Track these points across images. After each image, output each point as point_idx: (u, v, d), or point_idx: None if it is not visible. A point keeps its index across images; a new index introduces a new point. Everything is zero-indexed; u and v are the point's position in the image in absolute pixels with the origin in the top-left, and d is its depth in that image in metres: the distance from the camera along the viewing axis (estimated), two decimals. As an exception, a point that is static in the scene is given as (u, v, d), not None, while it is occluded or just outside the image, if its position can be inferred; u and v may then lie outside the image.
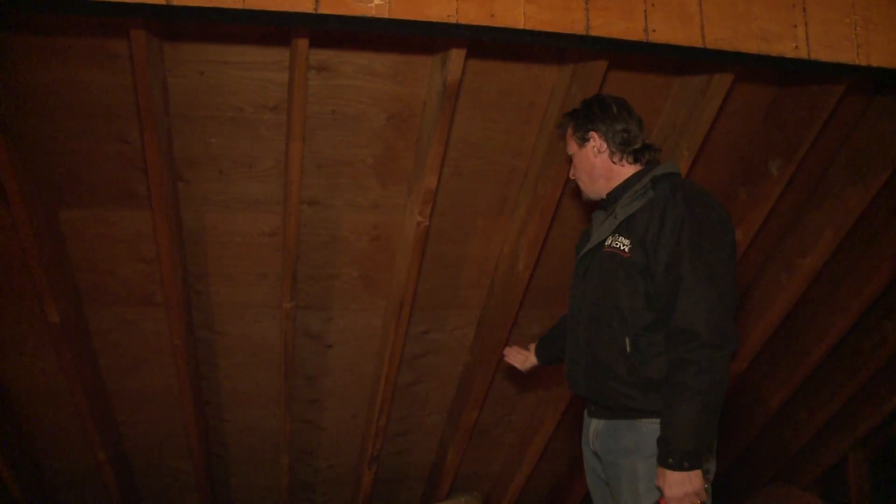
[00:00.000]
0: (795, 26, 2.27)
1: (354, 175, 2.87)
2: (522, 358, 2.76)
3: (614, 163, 2.22)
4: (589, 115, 2.24)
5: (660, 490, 1.96)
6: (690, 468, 1.90)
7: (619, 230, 2.12)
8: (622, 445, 2.10)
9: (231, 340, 3.33)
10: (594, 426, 2.22)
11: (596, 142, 2.23)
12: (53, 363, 3.18)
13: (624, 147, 2.22)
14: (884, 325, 3.95)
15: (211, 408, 3.57)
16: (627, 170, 2.22)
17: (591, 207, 2.50)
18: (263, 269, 3.11)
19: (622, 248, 2.09)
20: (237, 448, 3.81)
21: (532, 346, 2.75)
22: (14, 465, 3.42)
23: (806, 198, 3.36)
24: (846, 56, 2.30)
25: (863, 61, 2.31)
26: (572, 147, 2.29)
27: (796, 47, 2.27)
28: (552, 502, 4.47)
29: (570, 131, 2.29)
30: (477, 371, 3.47)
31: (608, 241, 2.15)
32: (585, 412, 2.32)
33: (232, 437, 3.74)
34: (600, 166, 2.24)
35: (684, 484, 1.90)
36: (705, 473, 1.98)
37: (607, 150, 2.22)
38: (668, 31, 2.17)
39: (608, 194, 2.26)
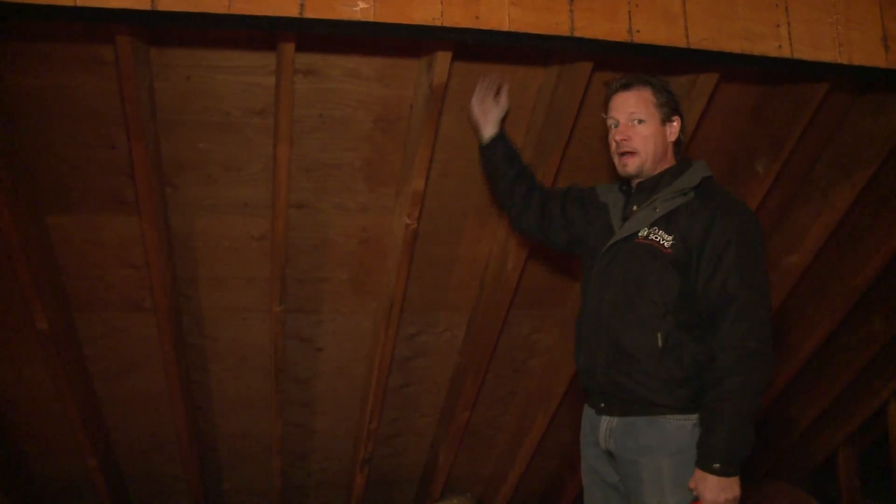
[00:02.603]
0: (778, 26, 2.29)
1: (342, 178, 2.88)
2: (488, 106, 2.60)
3: (674, 153, 2.24)
4: (676, 100, 2.24)
5: (692, 492, 1.98)
6: (734, 474, 1.94)
7: (658, 224, 2.10)
8: (643, 443, 2.07)
9: (221, 345, 3.33)
10: (606, 425, 2.18)
11: (676, 126, 2.22)
12: (42, 370, 3.18)
13: (680, 144, 2.26)
14: (871, 321, 3.99)
15: (202, 412, 3.56)
16: (671, 162, 2.23)
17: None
18: (253, 273, 3.11)
19: (663, 242, 2.08)
20: (229, 452, 3.81)
21: (500, 114, 2.61)
22: (4, 473, 3.41)
23: (792, 195, 3.38)
24: (828, 55, 2.32)
25: (845, 60, 2.33)
26: (651, 116, 2.19)
27: (780, 46, 2.29)
28: (545, 503, 4.48)
29: (649, 98, 2.19)
30: (468, 372, 3.48)
31: (644, 233, 2.12)
32: (590, 411, 2.27)
33: (224, 441, 3.74)
34: (667, 151, 2.22)
35: (726, 489, 1.93)
36: None
37: (677, 139, 2.23)
38: (651, 32, 2.18)
39: (640, 183, 2.23)
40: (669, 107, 2.21)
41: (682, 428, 2.03)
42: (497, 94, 2.61)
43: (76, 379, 3.15)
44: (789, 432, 4.56)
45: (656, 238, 2.09)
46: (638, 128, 2.19)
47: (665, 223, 2.10)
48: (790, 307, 3.84)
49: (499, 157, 2.56)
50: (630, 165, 2.20)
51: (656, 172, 2.21)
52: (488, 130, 2.59)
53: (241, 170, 2.80)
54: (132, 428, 3.56)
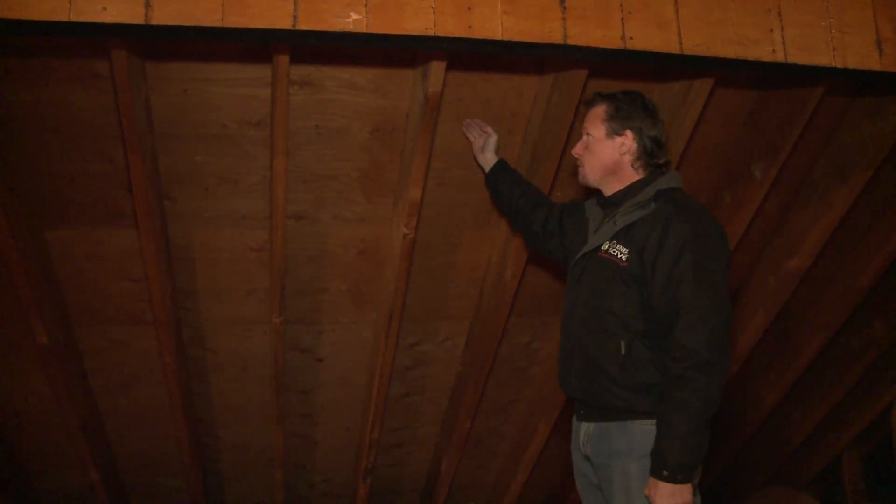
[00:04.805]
0: (772, 30, 2.29)
1: (340, 189, 2.88)
2: (480, 134, 2.74)
3: (633, 167, 2.24)
4: (631, 111, 2.22)
5: (648, 498, 2.00)
6: (683, 481, 1.95)
7: (618, 237, 2.15)
8: (614, 447, 2.13)
9: (222, 356, 3.33)
10: (584, 430, 2.25)
11: (627, 141, 2.22)
12: (43, 384, 3.18)
13: (648, 157, 2.23)
14: (873, 324, 3.97)
15: (203, 425, 3.56)
16: (636, 176, 2.24)
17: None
18: (252, 285, 3.11)
19: (620, 255, 2.12)
20: (231, 464, 3.81)
21: (493, 143, 2.72)
22: (5, 488, 3.41)
23: (791, 200, 3.38)
24: (822, 59, 2.32)
25: (839, 63, 2.33)
26: (597, 131, 2.24)
27: (773, 51, 2.29)
28: (549, 510, 4.47)
29: (600, 114, 2.24)
30: (469, 381, 3.47)
31: (605, 247, 2.18)
32: (574, 417, 2.35)
33: (225, 453, 3.74)
34: (619, 165, 2.23)
35: (675, 496, 1.95)
36: (694, 488, 2.01)
37: (633, 153, 2.22)
38: (645, 39, 2.18)
39: (610, 196, 2.27)
40: (619, 121, 2.22)
41: (648, 432, 2.06)
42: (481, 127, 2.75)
43: (77, 392, 3.15)
44: (793, 436, 4.54)
45: (614, 252, 2.14)
46: (586, 142, 2.28)
47: (623, 236, 2.14)
48: (791, 311, 3.84)
49: (503, 181, 2.66)
50: (579, 176, 2.33)
51: (624, 186, 2.25)
52: (489, 159, 2.71)
53: (239, 182, 2.81)
54: (134, 441, 3.57)
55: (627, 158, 2.23)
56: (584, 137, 2.29)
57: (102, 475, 3.45)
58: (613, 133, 2.23)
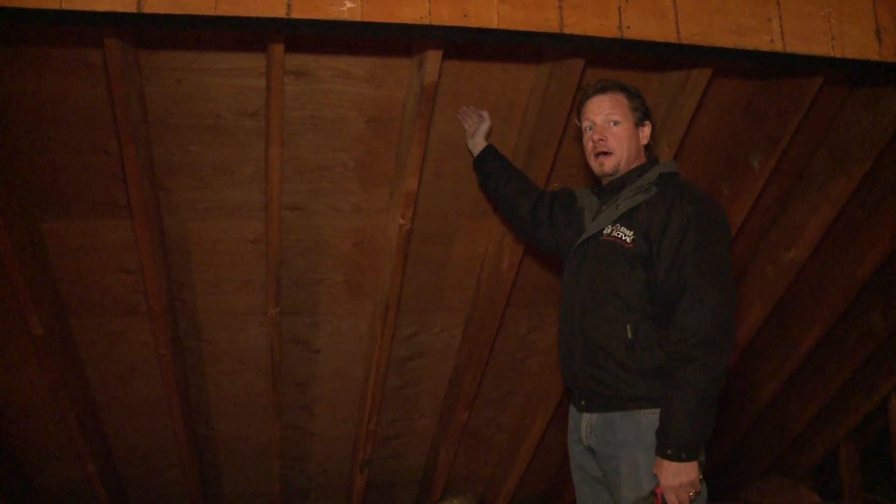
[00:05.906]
0: (770, 20, 2.28)
1: (336, 179, 2.87)
2: (476, 120, 2.74)
3: (645, 156, 2.30)
4: (644, 102, 2.31)
5: (656, 478, 2.00)
6: (687, 459, 1.95)
7: (621, 221, 2.17)
8: (620, 438, 2.11)
9: (218, 348, 3.32)
10: (587, 421, 2.22)
11: (647, 131, 2.29)
12: (39, 376, 3.17)
13: (651, 148, 2.34)
14: (870, 316, 3.97)
15: (200, 416, 3.56)
16: (638, 164, 2.29)
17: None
18: (248, 276, 3.10)
19: (624, 238, 2.14)
20: (228, 456, 3.80)
21: (485, 129, 2.74)
22: (3, 481, 3.40)
23: (789, 191, 3.37)
24: (821, 48, 2.31)
25: (838, 53, 2.32)
26: (627, 120, 2.25)
27: (771, 41, 2.28)
28: (547, 502, 4.47)
29: (624, 102, 2.26)
30: (466, 372, 3.46)
31: (608, 231, 2.19)
32: (573, 409, 2.32)
33: (223, 445, 3.73)
34: (640, 152, 2.29)
35: (680, 474, 1.95)
36: (700, 465, 2.00)
37: (647, 142, 2.31)
38: (642, 28, 2.17)
39: (608, 183, 2.29)
40: (642, 111, 2.28)
41: (655, 422, 2.06)
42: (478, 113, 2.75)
43: (73, 384, 3.14)
44: (790, 427, 4.54)
45: (619, 234, 2.16)
46: (614, 129, 2.26)
47: (627, 219, 2.16)
48: (789, 303, 3.83)
49: (490, 165, 2.67)
50: (606, 164, 2.27)
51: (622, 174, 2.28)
52: (478, 143, 2.72)
53: (234, 172, 2.79)
54: (130, 433, 3.56)
55: (643, 146, 2.30)
56: (611, 126, 2.25)
57: (99, 467, 3.44)
58: (639, 123, 2.28)
